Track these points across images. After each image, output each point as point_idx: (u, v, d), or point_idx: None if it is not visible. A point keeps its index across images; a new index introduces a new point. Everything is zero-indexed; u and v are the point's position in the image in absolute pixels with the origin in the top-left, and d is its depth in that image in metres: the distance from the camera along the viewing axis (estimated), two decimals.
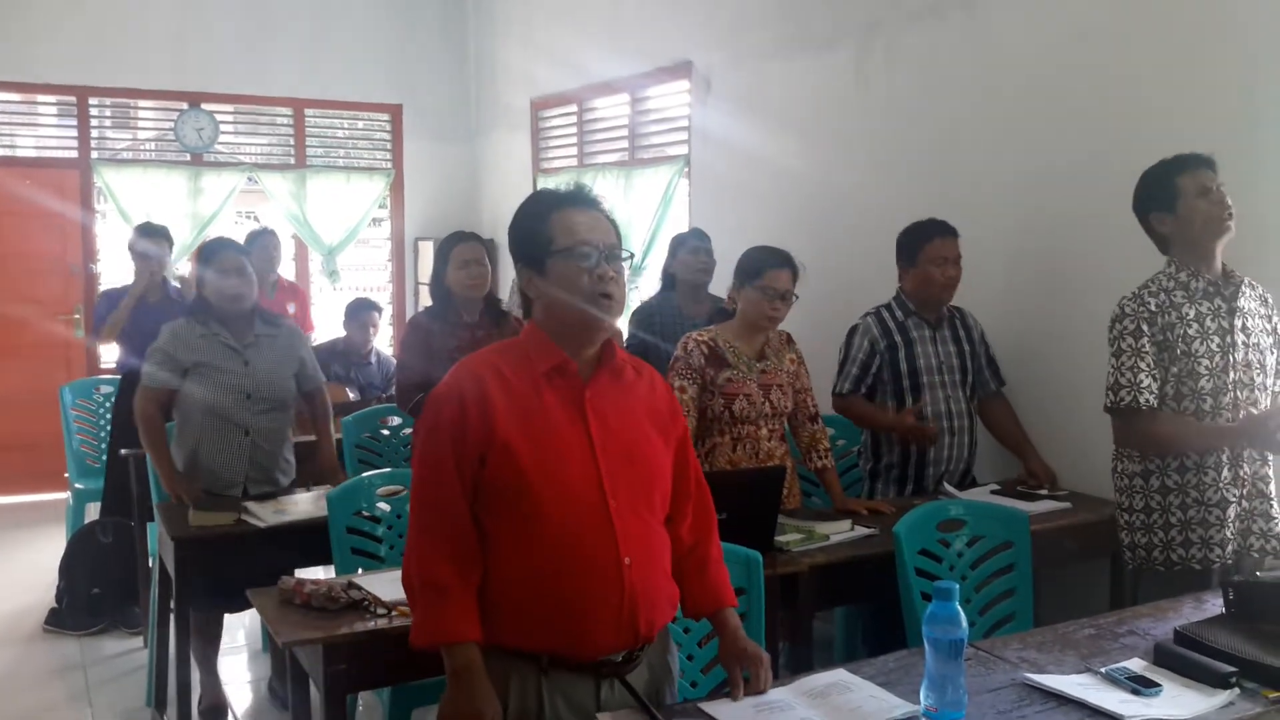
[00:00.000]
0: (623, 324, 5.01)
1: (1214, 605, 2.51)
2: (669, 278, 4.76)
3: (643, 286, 6.07)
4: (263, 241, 5.96)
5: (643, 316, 4.63)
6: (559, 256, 2.00)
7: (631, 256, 2.20)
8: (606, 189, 6.52)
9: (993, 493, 3.63)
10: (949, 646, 1.95)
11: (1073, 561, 3.47)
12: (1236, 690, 2.09)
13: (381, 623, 2.52)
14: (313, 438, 4.12)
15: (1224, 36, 3.37)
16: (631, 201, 6.27)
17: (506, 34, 7.76)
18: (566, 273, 2.00)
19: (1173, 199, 2.89)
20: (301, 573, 2.89)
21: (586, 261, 1.99)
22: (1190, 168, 2.88)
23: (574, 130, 7.11)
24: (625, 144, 6.56)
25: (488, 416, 1.95)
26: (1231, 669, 2.13)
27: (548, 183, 7.20)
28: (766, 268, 3.41)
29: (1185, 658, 2.19)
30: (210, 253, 3.87)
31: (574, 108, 7.06)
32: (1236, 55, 3.34)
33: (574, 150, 7.11)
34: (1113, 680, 2.13)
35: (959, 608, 1.97)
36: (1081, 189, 3.76)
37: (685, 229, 5.47)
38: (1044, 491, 3.64)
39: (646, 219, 6.11)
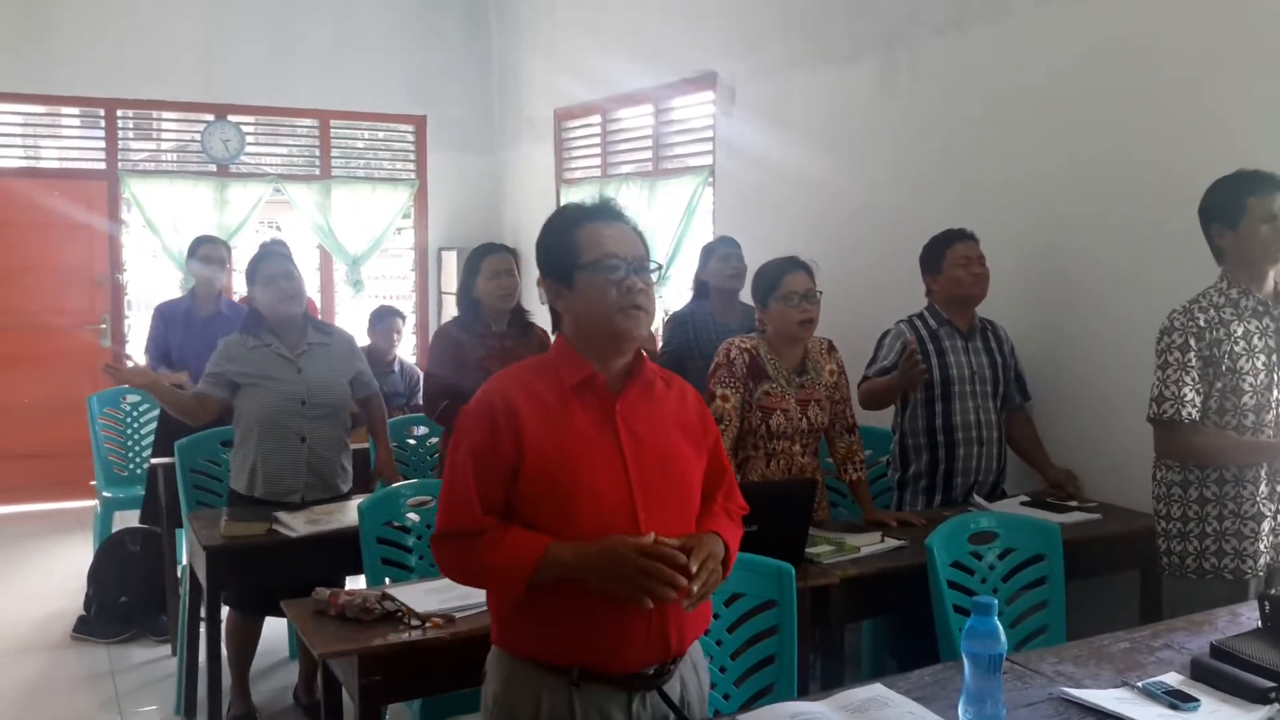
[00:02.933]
0: (656, 333, 5.04)
1: (1249, 619, 2.51)
2: (702, 285, 4.78)
3: (667, 297, 6.07)
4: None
5: (677, 325, 4.65)
6: (586, 270, 2.00)
7: (660, 268, 2.19)
8: (630, 199, 6.53)
9: (1022, 504, 3.62)
10: (988, 661, 1.95)
11: (1103, 573, 3.45)
12: (1276, 705, 2.07)
13: (415, 634, 2.54)
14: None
15: (1245, 47, 3.37)
16: (655, 211, 6.28)
17: (530, 45, 7.79)
18: (594, 286, 2.00)
19: (1237, 217, 2.90)
20: (332, 583, 2.91)
21: (614, 274, 1.99)
22: (1262, 190, 2.89)
23: (598, 141, 7.13)
24: (649, 154, 6.57)
25: (517, 432, 1.95)
26: (1271, 684, 2.11)
27: (571, 193, 7.23)
28: (781, 276, 3.43)
29: (1222, 672, 2.18)
30: (255, 264, 3.93)
31: (598, 118, 7.08)
32: (1257, 66, 3.33)
33: (598, 161, 7.13)
34: (1150, 695, 2.12)
35: (998, 623, 1.97)
36: (1104, 200, 3.76)
37: (710, 239, 5.49)
38: (1074, 503, 3.63)
39: (670, 229, 6.13)
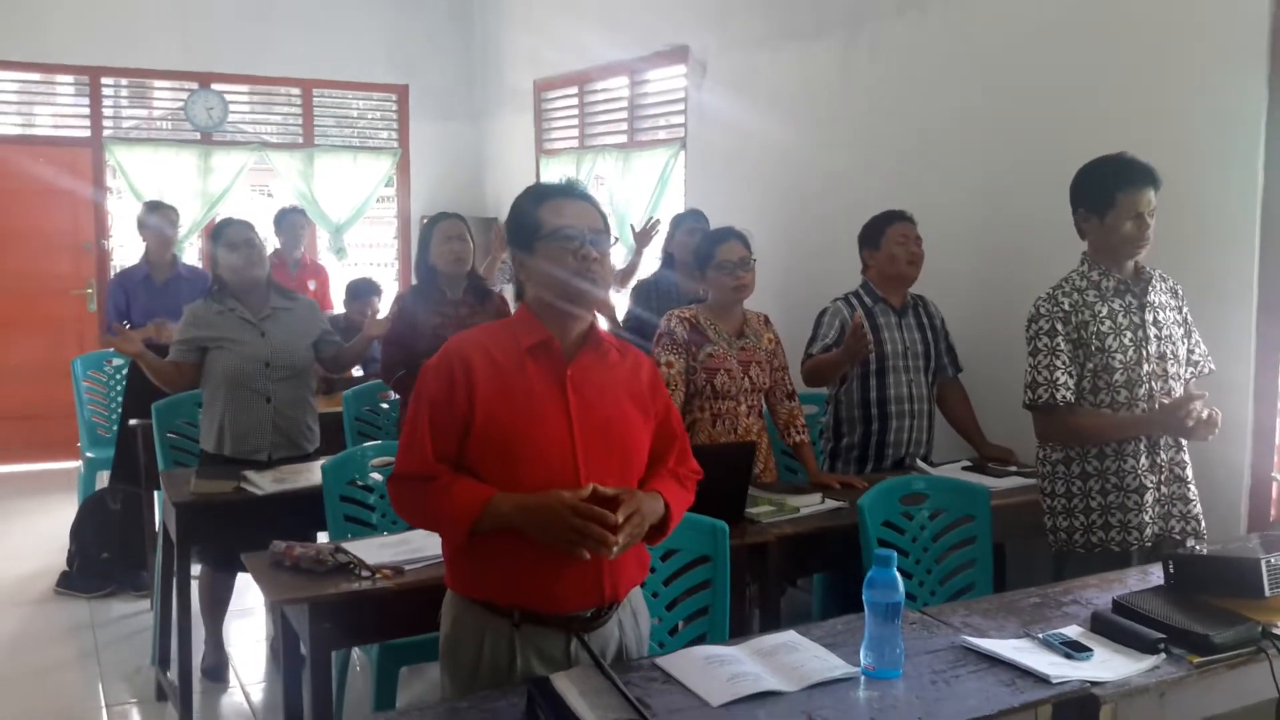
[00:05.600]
0: (622, 304, 5.17)
1: (1157, 577, 2.62)
2: (668, 256, 4.92)
3: (641, 266, 6.18)
4: (291, 220, 6.11)
5: (641, 293, 4.78)
6: (546, 239, 2.16)
7: (617, 241, 2.33)
8: (606, 170, 6.65)
9: (964, 469, 3.76)
10: (886, 609, 2.10)
11: (1039, 536, 3.58)
12: (1164, 656, 2.21)
13: (365, 584, 2.67)
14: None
15: (1189, 35, 3.47)
16: (629, 182, 6.39)
17: (510, 15, 7.87)
18: (553, 253, 2.15)
19: (1105, 208, 2.97)
20: (299, 539, 3.04)
21: (571, 243, 2.14)
22: (1133, 185, 2.93)
23: (575, 112, 7.22)
24: (625, 126, 6.67)
25: (471, 388, 2.10)
26: (1160, 635, 2.25)
27: (551, 164, 7.34)
28: (716, 246, 3.59)
29: (1119, 625, 2.32)
30: (218, 231, 4.06)
31: (575, 89, 7.17)
32: (1199, 54, 3.44)
33: (575, 132, 7.22)
34: (1047, 645, 2.26)
35: (896, 574, 2.11)
36: (1053, 180, 3.85)
37: (682, 209, 5.61)
38: (1013, 469, 3.77)
39: (644, 199, 6.24)
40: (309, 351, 4.10)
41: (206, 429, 4.02)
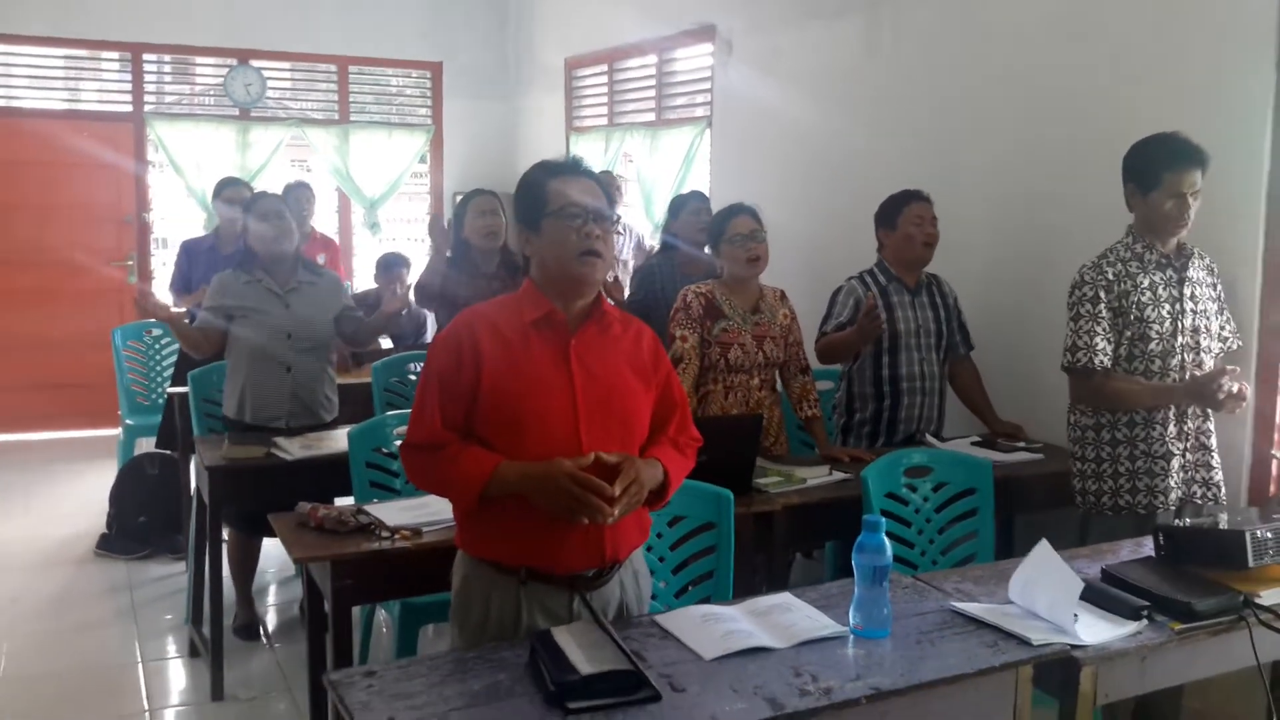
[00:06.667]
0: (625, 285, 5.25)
1: (1149, 548, 2.70)
2: (668, 241, 4.97)
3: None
4: (296, 194, 6.22)
5: (643, 277, 4.85)
6: (551, 216, 2.25)
7: (619, 219, 2.43)
8: (634, 148, 6.73)
9: (973, 444, 3.83)
10: (873, 573, 2.19)
11: (1046, 508, 3.65)
12: (1146, 622, 2.29)
13: (385, 544, 2.80)
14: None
15: (1199, 20, 3.50)
16: (656, 161, 6.47)
17: None
18: (557, 230, 2.25)
19: (1150, 185, 3.06)
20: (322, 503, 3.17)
21: (574, 221, 2.24)
22: (1178, 166, 3.02)
23: (605, 90, 7.30)
24: (653, 104, 6.75)
25: (478, 359, 2.21)
26: (1144, 603, 2.33)
27: (581, 141, 7.42)
28: (727, 221, 3.68)
29: (1106, 592, 2.39)
30: (250, 203, 4.20)
31: (605, 68, 7.25)
32: (1208, 39, 3.47)
33: (605, 110, 7.31)
34: (1032, 611, 2.35)
35: (884, 539, 2.20)
36: (1062, 161, 3.93)
37: (706, 188, 5.68)
38: (1021, 444, 3.84)
39: (670, 177, 6.32)
40: (330, 325, 4.21)
41: (229, 395, 4.15)
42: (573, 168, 2.34)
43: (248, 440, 3.85)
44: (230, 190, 5.66)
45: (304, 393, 4.14)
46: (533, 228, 2.29)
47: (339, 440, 3.80)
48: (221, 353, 4.19)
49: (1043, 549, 2.36)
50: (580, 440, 2.21)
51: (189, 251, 5.80)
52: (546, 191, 2.27)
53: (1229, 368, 3.01)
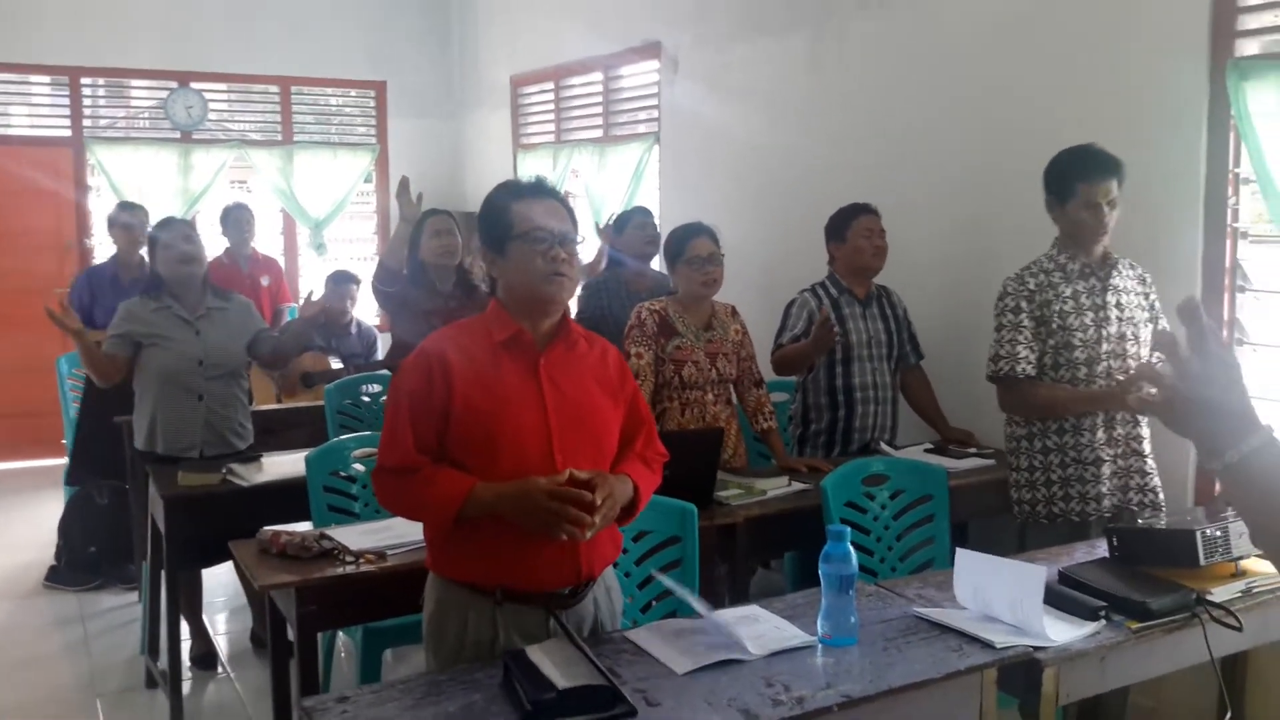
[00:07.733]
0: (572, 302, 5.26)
1: (1103, 550, 2.78)
2: (615, 255, 4.99)
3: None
4: (236, 216, 6.16)
5: (590, 294, 4.86)
6: (517, 240, 2.27)
7: (583, 240, 2.46)
8: (582, 165, 6.76)
9: (926, 451, 3.90)
10: (840, 581, 2.23)
11: (997, 513, 3.72)
12: (1104, 622, 2.36)
13: (349, 569, 2.79)
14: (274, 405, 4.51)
15: (1136, 28, 3.60)
16: (605, 177, 6.51)
17: (488, 12, 7.97)
18: (524, 254, 2.26)
19: (1065, 196, 3.16)
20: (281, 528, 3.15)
21: (541, 245, 2.26)
22: (1092, 177, 3.10)
23: (552, 107, 7.32)
24: (600, 121, 6.78)
25: (449, 382, 2.22)
26: (1102, 604, 2.40)
27: (528, 159, 7.44)
28: (686, 242, 3.70)
29: (1064, 594, 2.46)
30: (158, 229, 4.12)
31: (551, 85, 7.27)
32: (1145, 47, 3.57)
33: (552, 127, 7.32)
34: (993, 615, 2.39)
35: (849, 548, 2.24)
36: (1008, 174, 4.01)
37: (655, 203, 5.72)
38: (973, 450, 3.90)
39: (619, 193, 6.35)
40: (242, 352, 4.11)
41: (139, 427, 4.04)
42: (535, 189, 2.36)
43: (203, 467, 3.81)
44: (127, 215, 5.61)
45: (217, 421, 4.04)
46: (498, 251, 2.31)
47: (287, 466, 3.77)
48: (128, 381, 4.07)
49: (963, 555, 2.44)
50: (554, 458, 2.23)
51: (92, 281, 5.70)
52: (511, 215, 2.29)
53: (1150, 371, 3.04)
